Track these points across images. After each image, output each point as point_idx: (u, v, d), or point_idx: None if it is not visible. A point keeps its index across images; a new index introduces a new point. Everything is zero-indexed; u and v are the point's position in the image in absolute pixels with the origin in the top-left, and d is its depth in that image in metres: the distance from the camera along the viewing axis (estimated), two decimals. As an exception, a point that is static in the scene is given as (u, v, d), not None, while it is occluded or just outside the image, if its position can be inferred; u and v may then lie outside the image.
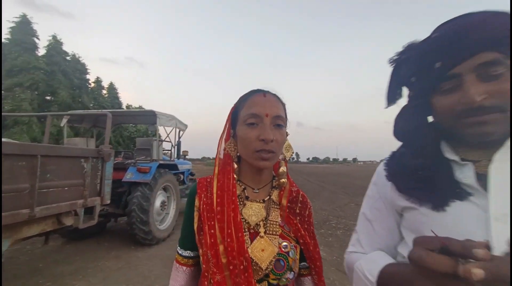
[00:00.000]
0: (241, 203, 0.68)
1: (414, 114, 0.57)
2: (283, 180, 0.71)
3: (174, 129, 5.50)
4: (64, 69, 20.50)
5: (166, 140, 5.59)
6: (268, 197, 0.71)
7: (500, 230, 0.43)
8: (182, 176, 5.98)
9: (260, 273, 0.61)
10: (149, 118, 5.18)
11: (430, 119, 0.57)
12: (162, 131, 5.45)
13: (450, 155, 0.53)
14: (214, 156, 0.76)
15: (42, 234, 2.76)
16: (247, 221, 0.66)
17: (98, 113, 4.85)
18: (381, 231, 0.62)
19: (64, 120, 4.72)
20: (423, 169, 0.52)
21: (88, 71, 23.05)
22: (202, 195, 0.69)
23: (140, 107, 26.50)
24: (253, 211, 0.67)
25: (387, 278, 0.51)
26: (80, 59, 22.46)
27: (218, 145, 0.75)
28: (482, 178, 0.48)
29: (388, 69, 0.59)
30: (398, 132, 0.59)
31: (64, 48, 21.08)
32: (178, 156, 6.17)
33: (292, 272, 0.65)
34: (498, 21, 0.45)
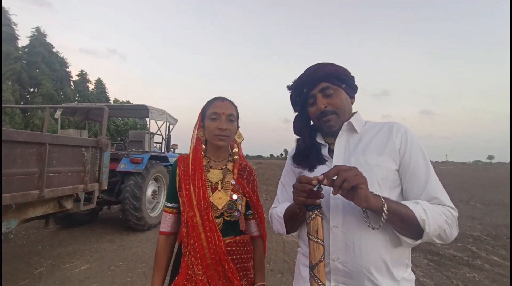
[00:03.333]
0: (207, 170, 1.04)
1: (300, 120, 0.94)
2: (236, 156, 1.08)
3: (164, 123, 5.75)
4: (48, 61, 20.02)
5: (157, 133, 5.84)
6: (225, 166, 1.06)
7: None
8: (172, 168, 6.24)
9: (218, 212, 0.98)
10: (141, 112, 5.42)
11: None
12: (152, 124, 5.69)
13: (320, 140, 0.91)
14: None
15: (44, 216, 3.03)
16: (210, 181, 1.02)
17: (95, 106, 5.05)
18: (290, 190, 0.88)
19: (58, 112, 4.90)
20: (306, 149, 0.90)
21: (68, 63, 22.79)
22: (181, 166, 1.04)
23: (127, 101, 26.46)
24: (214, 175, 1.03)
25: (287, 211, 0.88)
26: (58, 53, 22.11)
27: (192, 132, 1.10)
28: (332, 152, 0.86)
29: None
30: (295, 130, 0.96)
31: (48, 40, 20.64)
32: (168, 149, 6.43)
33: (239, 212, 1.01)
34: (325, 68, 0.85)
